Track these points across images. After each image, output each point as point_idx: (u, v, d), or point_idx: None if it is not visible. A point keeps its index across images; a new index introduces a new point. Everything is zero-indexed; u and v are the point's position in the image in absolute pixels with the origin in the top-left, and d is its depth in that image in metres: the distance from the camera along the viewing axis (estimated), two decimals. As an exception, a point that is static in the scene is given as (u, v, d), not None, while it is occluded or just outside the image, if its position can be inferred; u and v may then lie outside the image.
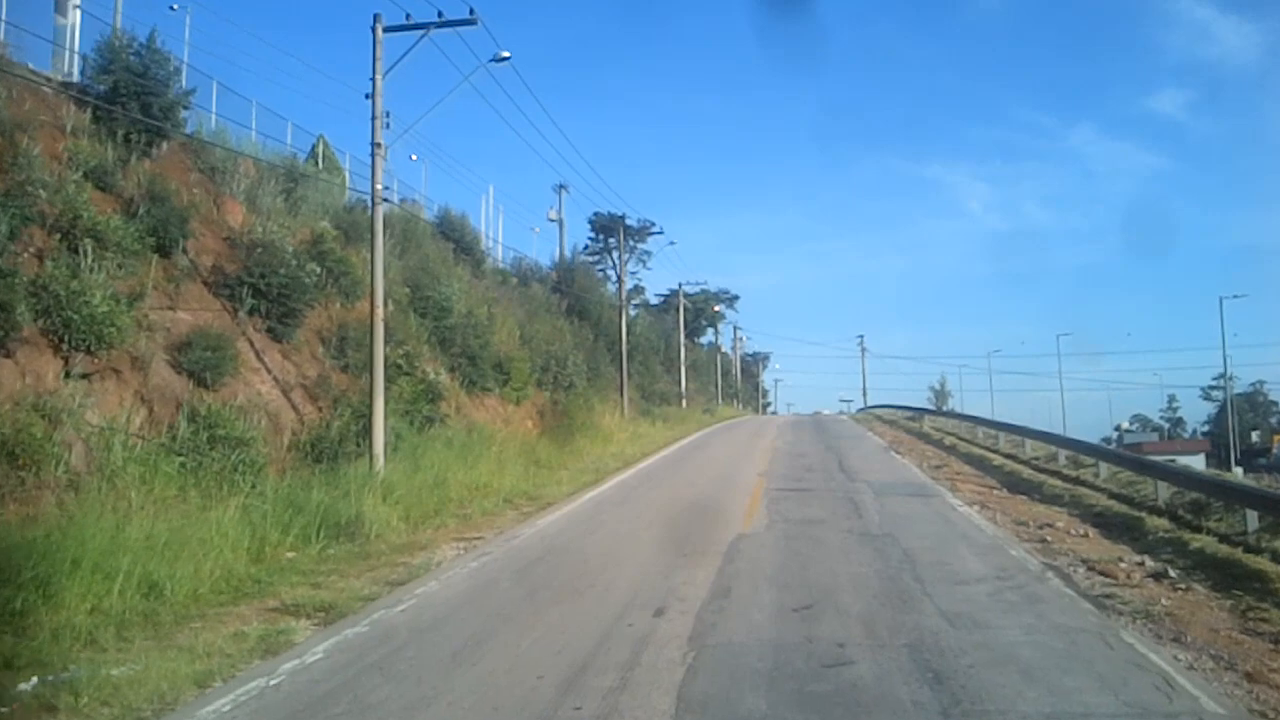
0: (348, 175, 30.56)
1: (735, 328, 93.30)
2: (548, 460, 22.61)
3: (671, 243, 44.13)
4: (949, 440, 30.90)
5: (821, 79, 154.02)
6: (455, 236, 34.62)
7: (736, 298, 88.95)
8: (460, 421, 22.48)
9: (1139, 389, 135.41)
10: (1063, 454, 21.88)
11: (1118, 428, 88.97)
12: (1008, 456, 24.83)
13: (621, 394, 37.11)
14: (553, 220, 61.96)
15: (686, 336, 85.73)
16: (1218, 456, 59.84)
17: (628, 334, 44.39)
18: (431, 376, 20.04)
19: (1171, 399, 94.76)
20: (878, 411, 61.93)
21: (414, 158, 46.76)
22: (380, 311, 15.77)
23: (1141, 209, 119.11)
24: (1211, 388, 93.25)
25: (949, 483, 18.81)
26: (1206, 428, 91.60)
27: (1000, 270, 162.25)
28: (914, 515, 14.03)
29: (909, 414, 49.00)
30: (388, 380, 19.22)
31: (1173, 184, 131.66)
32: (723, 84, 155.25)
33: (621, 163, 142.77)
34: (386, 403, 17.54)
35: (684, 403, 58.56)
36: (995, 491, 17.47)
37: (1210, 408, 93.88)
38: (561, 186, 61.32)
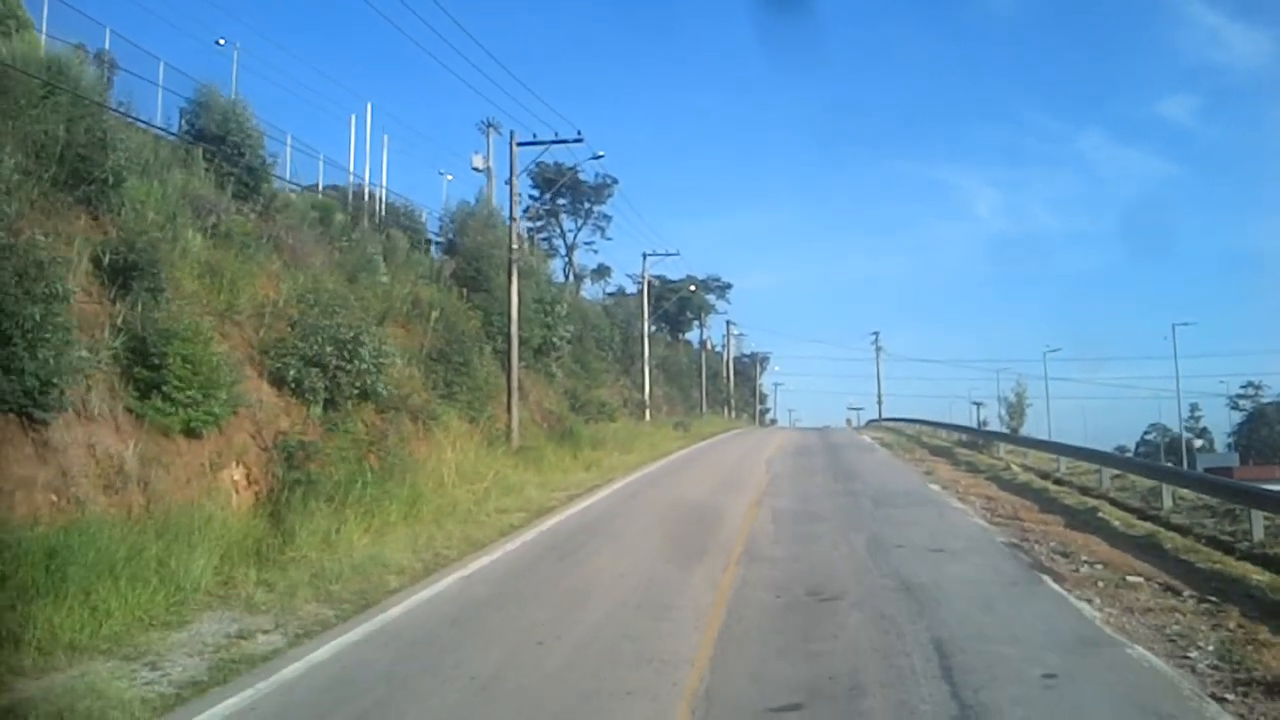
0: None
1: (728, 322, 78.14)
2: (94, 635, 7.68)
3: (599, 155, 28.97)
4: (1093, 504, 15.86)
5: (826, 79, 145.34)
6: (209, 134, 19.79)
7: (729, 286, 74.05)
8: None
9: (1144, 397, 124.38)
10: None
11: (1187, 445, 74.58)
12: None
13: (509, 409, 22.15)
14: (478, 170, 46.98)
15: (670, 332, 70.14)
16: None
17: (547, 315, 29.45)
18: None
19: (1194, 408, 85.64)
20: (903, 427, 47.00)
21: (221, 41, 31.55)
22: None
23: (1152, 213, 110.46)
24: (1240, 396, 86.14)
25: None
26: (1230, 439, 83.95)
27: (1010, 274, 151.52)
28: None
29: (962, 436, 34.07)
30: None
31: (1182, 189, 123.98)
32: (725, 83, 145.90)
33: (623, 162, 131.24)
34: None
35: (647, 414, 43.52)
36: None
37: (1238, 417, 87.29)
38: (489, 125, 46.33)
